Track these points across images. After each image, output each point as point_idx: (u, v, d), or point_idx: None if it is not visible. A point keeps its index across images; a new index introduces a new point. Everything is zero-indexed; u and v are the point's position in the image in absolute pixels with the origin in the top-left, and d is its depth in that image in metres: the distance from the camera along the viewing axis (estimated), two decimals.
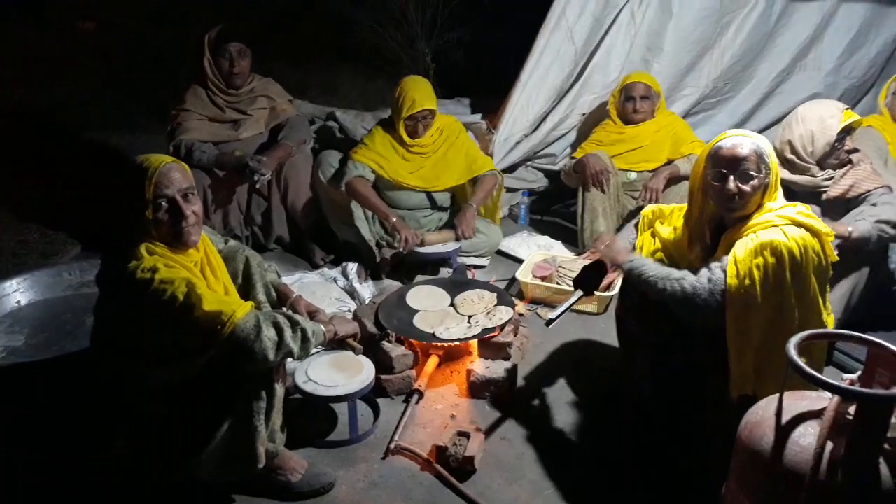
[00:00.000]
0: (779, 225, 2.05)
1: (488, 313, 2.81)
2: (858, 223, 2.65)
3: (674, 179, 3.69)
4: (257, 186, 3.50)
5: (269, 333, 1.80)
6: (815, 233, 2.06)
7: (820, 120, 2.71)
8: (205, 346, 1.77)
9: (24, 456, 2.29)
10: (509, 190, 4.56)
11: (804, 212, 2.10)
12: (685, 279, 2.13)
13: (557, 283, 3.34)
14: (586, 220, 3.77)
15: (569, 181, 3.96)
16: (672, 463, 2.24)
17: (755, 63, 4.31)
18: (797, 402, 1.62)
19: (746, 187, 2.10)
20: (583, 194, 3.77)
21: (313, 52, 5.79)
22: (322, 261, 3.70)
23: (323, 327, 2.03)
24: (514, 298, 3.23)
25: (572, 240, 3.95)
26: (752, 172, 2.09)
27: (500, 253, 3.88)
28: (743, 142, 2.13)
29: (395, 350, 2.62)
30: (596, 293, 2.62)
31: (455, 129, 3.73)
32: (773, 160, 2.14)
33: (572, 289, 3.22)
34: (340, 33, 5.73)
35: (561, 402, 2.61)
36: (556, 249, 3.89)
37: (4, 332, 3.02)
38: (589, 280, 2.45)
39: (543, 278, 3.41)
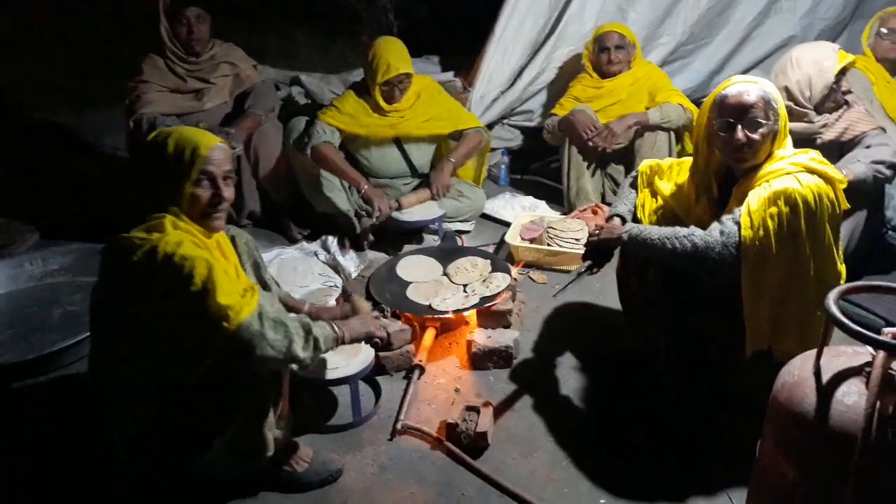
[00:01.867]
0: (792, 172, 1.97)
1: (484, 281, 2.71)
2: (853, 166, 2.60)
3: (646, 129, 3.58)
4: None
5: (274, 343, 1.67)
6: (828, 180, 1.99)
7: (815, 63, 2.63)
8: (207, 341, 1.63)
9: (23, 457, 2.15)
10: None
11: (817, 158, 2.02)
12: (694, 235, 2.04)
13: (548, 245, 3.24)
14: (572, 178, 3.68)
15: (553, 140, 3.84)
16: (686, 426, 2.18)
17: (731, 7, 4.20)
18: (834, 359, 1.54)
19: (755, 136, 2.00)
20: (567, 151, 3.66)
21: (265, 12, 5.49)
22: (299, 235, 3.53)
23: (328, 330, 1.88)
24: (508, 263, 3.14)
25: (556, 198, 3.86)
26: (760, 120, 2.00)
27: (484, 216, 3.76)
28: (749, 88, 2.03)
29: (392, 325, 2.50)
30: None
31: (433, 90, 3.56)
32: (780, 105, 2.04)
33: (563, 249, 3.17)
34: None
35: (566, 367, 2.53)
36: (542, 209, 3.79)
37: None
38: (600, 253, 2.33)
39: (533, 240, 3.31)
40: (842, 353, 1.57)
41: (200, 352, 1.64)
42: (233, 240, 2.04)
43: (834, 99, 2.65)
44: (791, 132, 2.62)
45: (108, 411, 1.76)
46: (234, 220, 3.58)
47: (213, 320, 1.61)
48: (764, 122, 2.00)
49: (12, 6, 4.83)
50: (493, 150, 4.40)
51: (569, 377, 2.48)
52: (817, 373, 1.51)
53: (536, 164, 4.37)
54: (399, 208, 3.35)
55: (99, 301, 1.75)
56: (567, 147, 3.65)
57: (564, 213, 3.68)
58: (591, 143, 3.57)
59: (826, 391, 1.47)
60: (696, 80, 4.42)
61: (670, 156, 3.53)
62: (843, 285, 1.53)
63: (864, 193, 2.64)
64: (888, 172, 2.62)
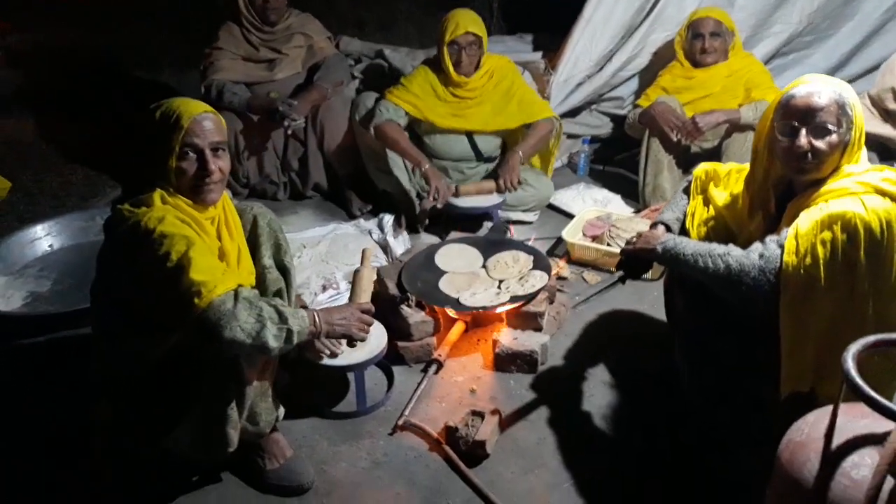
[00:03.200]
0: (857, 193, 1.68)
1: (521, 278, 2.55)
2: None
3: (736, 128, 3.26)
4: (289, 133, 3.31)
5: (245, 325, 1.59)
6: None
7: None
8: (177, 316, 1.60)
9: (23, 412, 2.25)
10: (570, 136, 4.20)
11: (893, 178, 1.71)
12: (730, 255, 1.79)
13: (608, 245, 3.03)
14: (649, 174, 3.42)
15: (634, 133, 3.58)
16: (707, 468, 1.96)
17: None
18: (856, 420, 1.32)
19: (821, 144, 1.73)
20: (647, 145, 3.40)
21: None
22: (360, 211, 3.50)
23: (308, 325, 1.74)
24: (556, 260, 2.97)
25: (634, 194, 3.59)
26: (829, 126, 1.72)
27: (551, 207, 3.58)
28: (821, 89, 1.75)
29: (414, 316, 2.41)
30: None
31: (507, 72, 3.40)
32: (857, 112, 1.75)
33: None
34: None
35: (595, 381, 2.35)
36: (614, 205, 3.56)
37: (34, 276, 3.01)
38: (635, 263, 2.12)
39: (595, 238, 3.11)
40: (868, 415, 1.32)
41: (170, 326, 1.62)
42: (254, 219, 2.01)
43: None
44: (877, 136, 2.30)
45: (93, 377, 1.79)
46: (300, 192, 3.62)
47: (185, 296, 1.57)
48: (834, 129, 1.73)
49: None
50: (577, 137, 4.18)
51: (595, 392, 2.30)
52: (829, 435, 1.29)
53: (621, 156, 4.10)
54: (457, 194, 3.24)
55: (99, 264, 1.77)
56: (647, 140, 3.39)
57: (637, 211, 3.43)
58: (673, 138, 3.30)
59: (833, 459, 1.26)
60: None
61: None
62: (869, 338, 1.28)
63: None
64: None
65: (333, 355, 2.11)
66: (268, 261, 1.98)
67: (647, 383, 2.32)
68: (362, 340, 1.93)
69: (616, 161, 4.12)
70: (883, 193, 1.68)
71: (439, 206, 3.18)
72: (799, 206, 1.78)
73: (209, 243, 1.72)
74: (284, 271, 2.02)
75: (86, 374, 1.88)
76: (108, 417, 1.82)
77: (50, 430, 2.12)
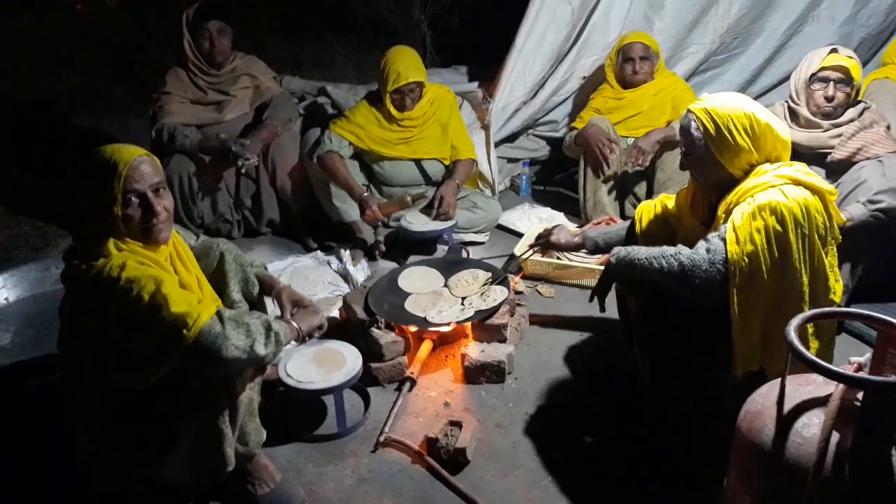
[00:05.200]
0: (777, 185, 1.90)
1: (482, 294, 2.69)
2: (852, 207, 2.44)
3: (667, 146, 3.50)
4: (243, 172, 3.38)
5: (237, 342, 1.67)
6: (816, 191, 1.91)
7: (807, 57, 2.64)
8: (168, 352, 1.65)
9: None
10: (510, 160, 4.41)
11: (802, 170, 1.94)
12: (681, 253, 1.98)
13: (558, 258, 3.20)
14: (588, 191, 3.62)
15: (571, 154, 3.79)
16: (670, 453, 2.12)
17: (765, 15, 4.06)
18: (801, 387, 1.49)
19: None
20: (583, 163, 3.62)
21: (307, 25, 5.62)
22: (314, 244, 3.58)
23: (286, 326, 1.88)
24: (511, 276, 3.11)
25: (577, 210, 3.79)
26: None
27: (500, 227, 3.74)
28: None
29: (385, 337, 2.51)
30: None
31: (447, 103, 3.57)
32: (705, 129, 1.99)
33: (572, 263, 3.13)
34: (334, 4, 5.54)
35: (560, 385, 2.50)
36: (559, 222, 3.74)
37: None
38: (603, 286, 2.28)
39: (543, 252, 3.27)
40: (811, 381, 1.51)
41: (160, 362, 1.66)
42: (221, 255, 2.08)
43: (816, 102, 2.62)
44: (799, 145, 2.57)
45: (71, 422, 1.82)
46: (255, 229, 3.67)
47: (171, 331, 1.62)
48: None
49: (69, 17, 5.09)
50: (517, 160, 4.38)
51: (562, 395, 2.45)
52: (780, 402, 1.46)
53: (560, 175, 4.32)
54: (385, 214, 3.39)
55: (63, 316, 1.80)
56: (583, 159, 3.60)
57: (580, 226, 3.62)
58: (605, 164, 3.51)
59: (786, 422, 1.42)
60: (728, 90, 4.26)
61: None
62: (807, 312, 1.46)
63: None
64: (885, 217, 2.42)
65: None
66: (236, 295, 2.07)
67: (606, 381, 2.49)
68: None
69: (555, 181, 4.34)
70: (798, 183, 1.90)
71: (370, 223, 3.33)
72: (728, 204, 1.98)
73: (175, 278, 1.77)
74: (253, 305, 2.11)
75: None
76: (91, 458, 1.85)
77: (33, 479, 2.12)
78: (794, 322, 1.42)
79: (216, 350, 1.65)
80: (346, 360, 2.30)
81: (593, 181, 3.60)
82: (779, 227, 1.86)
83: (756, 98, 4.24)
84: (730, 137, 1.94)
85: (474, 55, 4.90)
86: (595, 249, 2.49)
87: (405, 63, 3.34)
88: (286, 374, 2.23)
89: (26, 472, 2.14)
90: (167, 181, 3.23)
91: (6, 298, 3.12)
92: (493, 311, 2.58)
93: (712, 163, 1.99)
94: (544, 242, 2.59)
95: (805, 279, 1.90)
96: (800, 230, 1.86)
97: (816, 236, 1.88)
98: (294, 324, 1.95)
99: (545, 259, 3.19)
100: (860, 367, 1.41)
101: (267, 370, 2.02)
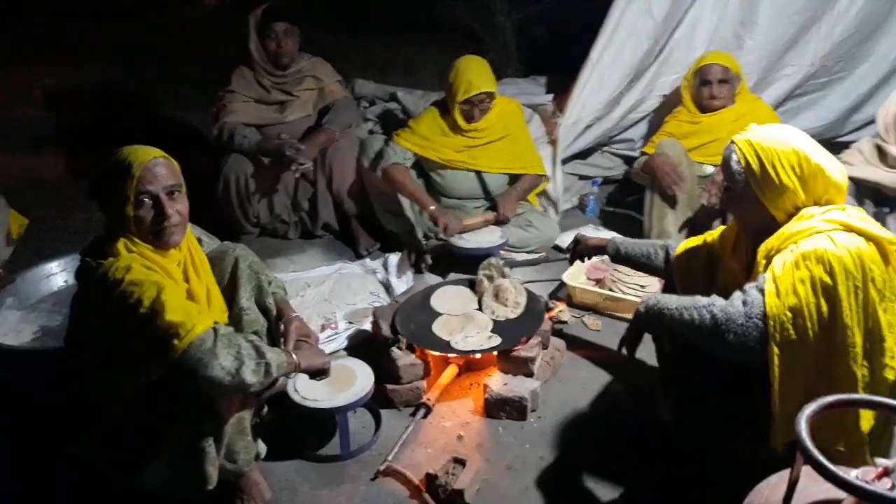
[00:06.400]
0: (825, 231, 1.67)
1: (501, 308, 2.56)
2: None
3: None
4: (297, 175, 3.37)
5: (225, 362, 1.63)
6: (873, 239, 1.67)
7: None
8: (158, 359, 1.64)
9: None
10: (582, 178, 4.22)
11: (856, 214, 1.71)
12: (714, 305, 1.78)
13: (610, 289, 3.00)
14: (654, 218, 3.38)
15: (638, 180, 3.57)
16: None
17: (873, 38, 3.68)
18: (817, 484, 1.27)
19: None
20: (650, 189, 3.38)
21: (389, 28, 5.61)
22: (367, 250, 3.54)
23: (286, 358, 1.83)
24: (554, 302, 2.95)
25: (641, 237, 3.56)
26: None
27: (557, 249, 3.56)
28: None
29: (403, 358, 2.42)
30: None
31: (516, 118, 3.46)
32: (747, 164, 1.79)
33: (624, 296, 2.93)
34: (419, 8, 5.51)
35: (585, 430, 2.32)
36: None
37: (47, 311, 3.07)
38: (632, 335, 2.11)
39: (598, 281, 3.08)
40: None
41: (151, 367, 1.65)
42: (235, 261, 2.06)
43: None
44: (884, 186, 2.27)
45: (67, 415, 1.83)
46: (310, 231, 3.67)
47: (164, 338, 1.61)
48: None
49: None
50: (588, 178, 4.19)
51: (584, 443, 2.26)
52: (787, 500, 1.25)
53: (633, 197, 4.07)
54: (464, 230, 3.25)
55: (72, 310, 1.82)
56: (650, 186, 3.37)
57: None
58: (669, 192, 3.27)
59: None
60: (829, 118, 3.94)
61: None
62: (828, 398, 1.25)
63: None
64: None
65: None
66: (246, 302, 2.03)
67: (637, 432, 2.27)
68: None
69: (628, 203, 4.10)
70: (850, 229, 1.67)
71: (445, 236, 3.19)
72: (768, 249, 1.77)
73: (178, 287, 1.75)
74: (266, 313, 2.07)
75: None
76: (83, 456, 1.85)
77: (41, 466, 2.16)
78: (808, 409, 1.21)
79: (202, 366, 1.62)
80: (357, 380, 2.22)
81: (660, 208, 3.36)
82: (827, 279, 1.63)
83: (862, 128, 3.87)
84: (774, 175, 1.73)
85: (557, 66, 4.74)
86: (616, 256, 2.43)
87: (476, 73, 3.24)
88: (294, 388, 2.18)
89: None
90: (224, 180, 3.32)
91: (66, 281, 3.25)
92: (524, 340, 2.44)
93: (753, 201, 1.78)
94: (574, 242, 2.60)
95: (858, 338, 1.65)
96: (851, 282, 1.62)
97: (873, 290, 1.64)
98: (294, 357, 1.88)
99: (596, 289, 3.00)
100: (887, 472, 1.19)
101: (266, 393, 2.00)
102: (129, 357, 1.68)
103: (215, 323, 1.71)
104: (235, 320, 1.99)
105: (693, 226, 3.35)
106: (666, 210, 3.33)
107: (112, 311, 1.65)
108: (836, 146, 3.35)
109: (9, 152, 4.38)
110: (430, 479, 2.03)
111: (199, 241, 2.08)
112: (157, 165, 1.75)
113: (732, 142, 1.83)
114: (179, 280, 1.82)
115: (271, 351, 1.77)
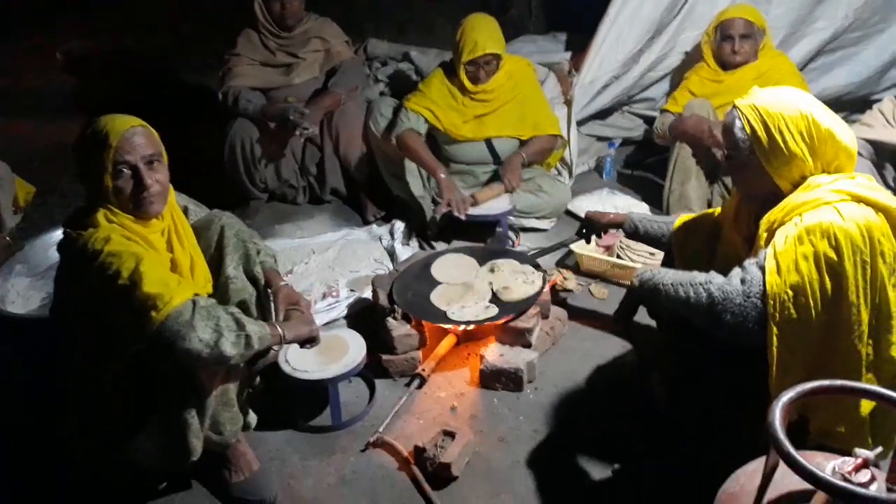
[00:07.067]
0: (832, 202, 1.56)
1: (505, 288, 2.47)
2: None
3: None
4: (302, 140, 3.31)
5: (203, 335, 1.60)
6: (882, 209, 1.56)
7: None
8: (137, 330, 1.62)
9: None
10: (600, 139, 4.08)
11: (866, 184, 1.59)
12: (711, 283, 1.68)
13: (618, 256, 2.90)
14: (675, 182, 3.25)
15: (662, 142, 3.41)
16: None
17: None
18: (791, 474, 1.20)
19: None
20: (676, 151, 3.23)
21: None
22: (373, 216, 3.49)
23: (269, 330, 1.79)
24: (562, 270, 2.87)
25: (660, 201, 3.42)
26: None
27: (570, 214, 3.46)
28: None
29: (398, 329, 2.38)
30: None
31: (526, 77, 3.31)
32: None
33: (632, 264, 2.83)
34: None
35: (583, 404, 2.26)
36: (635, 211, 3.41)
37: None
38: (625, 310, 2.04)
39: (607, 248, 2.98)
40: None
41: (130, 339, 1.64)
42: (222, 230, 2.02)
43: None
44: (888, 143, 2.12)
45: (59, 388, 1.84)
46: (319, 196, 3.63)
47: (141, 310, 1.59)
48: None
49: None
50: (607, 139, 4.05)
51: (582, 416, 2.21)
52: (762, 490, 1.18)
53: (653, 159, 3.92)
54: (475, 203, 3.16)
55: (55, 283, 1.81)
56: (677, 146, 3.22)
57: None
58: (706, 155, 3.11)
59: None
60: (863, 74, 3.70)
61: None
62: (806, 385, 1.16)
63: None
64: None
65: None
66: (232, 271, 1.99)
67: (636, 406, 2.20)
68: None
69: (646, 164, 3.96)
70: (859, 200, 1.56)
71: (462, 217, 3.08)
72: (770, 221, 1.66)
73: (159, 257, 1.73)
74: (255, 281, 2.03)
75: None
76: (74, 427, 1.87)
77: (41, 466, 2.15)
78: (785, 397, 1.13)
79: (180, 338, 1.59)
80: (349, 351, 2.20)
81: (683, 172, 3.21)
82: (832, 254, 1.53)
83: None
84: (781, 143, 1.62)
85: (579, 24, 4.55)
86: (633, 233, 2.27)
87: (482, 33, 3.11)
88: (284, 359, 2.17)
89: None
90: (230, 144, 3.28)
91: None
92: (521, 312, 2.37)
93: (756, 170, 1.67)
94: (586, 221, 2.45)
95: (864, 316, 1.56)
96: (858, 257, 1.53)
97: (882, 265, 1.54)
98: (278, 329, 1.84)
99: (603, 257, 2.91)
100: (866, 463, 1.11)
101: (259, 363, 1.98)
102: (110, 329, 1.67)
103: (196, 295, 1.68)
104: (222, 289, 1.96)
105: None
106: (690, 174, 3.19)
107: (92, 283, 1.64)
108: (870, 105, 3.17)
109: (19, 120, 4.40)
110: (419, 451, 2.00)
111: (186, 209, 2.05)
112: (135, 135, 1.71)
113: (735, 107, 1.72)
114: (162, 250, 1.80)
115: (253, 323, 1.73)
